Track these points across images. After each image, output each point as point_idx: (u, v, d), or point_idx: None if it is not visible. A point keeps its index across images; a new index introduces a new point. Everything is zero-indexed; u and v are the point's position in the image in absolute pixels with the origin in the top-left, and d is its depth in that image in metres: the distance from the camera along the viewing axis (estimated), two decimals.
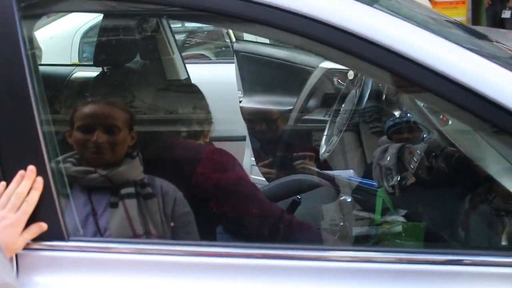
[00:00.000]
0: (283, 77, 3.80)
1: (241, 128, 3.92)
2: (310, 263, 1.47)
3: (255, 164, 3.99)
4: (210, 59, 5.64)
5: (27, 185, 1.51)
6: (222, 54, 5.41)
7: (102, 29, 2.72)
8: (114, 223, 1.90)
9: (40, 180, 1.52)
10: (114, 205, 1.92)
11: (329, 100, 3.45)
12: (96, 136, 1.91)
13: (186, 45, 6.00)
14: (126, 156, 1.98)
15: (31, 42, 1.57)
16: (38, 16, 1.73)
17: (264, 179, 3.76)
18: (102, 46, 2.76)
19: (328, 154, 2.91)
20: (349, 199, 2.23)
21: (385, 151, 2.50)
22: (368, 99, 2.83)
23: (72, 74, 3.09)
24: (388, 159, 2.42)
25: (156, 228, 1.93)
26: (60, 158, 1.72)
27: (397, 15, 1.63)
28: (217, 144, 3.59)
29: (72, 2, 1.78)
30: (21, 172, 1.53)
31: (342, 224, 2.20)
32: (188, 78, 3.56)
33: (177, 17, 2.31)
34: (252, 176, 4.11)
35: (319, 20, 1.49)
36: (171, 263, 1.50)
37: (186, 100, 2.45)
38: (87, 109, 1.94)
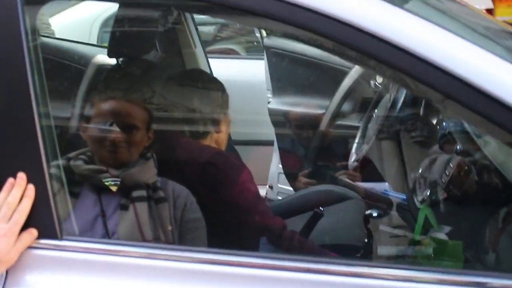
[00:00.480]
0: (315, 77, 3.77)
1: (269, 132, 3.91)
2: (318, 276, 1.47)
3: (282, 172, 3.97)
4: (240, 55, 5.64)
5: (18, 193, 1.54)
6: (254, 49, 5.40)
7: (117, 19, 2.73)
8: (123, 226, 1.93)
9: (31, 187, 1.54)
10: (124, 208, 1.94)
11: (366, 104, 3.42)
12: (114, 134, 1.93)
13: (217, 38, 6.02)
14: (140, 157, 2.01)
15: (34, 32, 1.57)
16: (42, 2, 1.73)
17: (291, 188, 3.75)
18: (117, 37, 2.77)
19: (357, 163, 2.87)
20: (375, 214, 2.19)
21: (432, 162, 2.47)
22: (406, 105, 2.79)
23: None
24: (435, 171, 2.39)
25: (165, 234, 1.95)
26: (63, 155, 1.75)
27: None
28: (242, 148, 3.60)
29: None
30: (10, 180, 1.55)
31: (366, 241, 2.17)
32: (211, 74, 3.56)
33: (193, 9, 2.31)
34: (279, 185, 4.12)
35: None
36: (168, 269, 1.51)
37: (207, 96, 2.44)
38: (107, 105, 1.97)
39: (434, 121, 2.88)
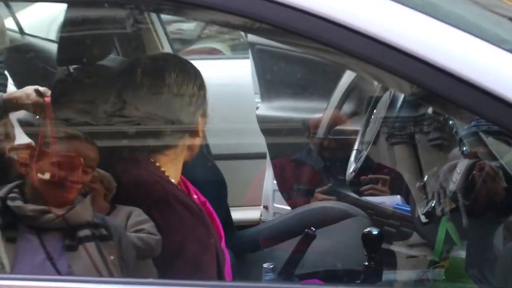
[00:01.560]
0: (310, 76, 3.80)
1: (259, 143, 3.94)
2: None
3: (277, 189, 4.00)
4: (224, 54, 5.68)
5: None
6: (241, 48, 5.44)
7: (67, 21, 2.76)
8: (78, 268, 2.03)
9: None
10: (72, 248, 2.05)
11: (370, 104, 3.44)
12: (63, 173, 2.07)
13: (202, 36, 6.07)
14: (80, 194, 2.16)
15: None
16: None
17: (289, 208, 3.78)
18: (68, 41, 2.80)
19: (354, 173, 2.90)
20: (374, 232, 2.22)
21: (452, 169, 2.48)
22: (411, 103, 2.81)
23: None
24: (455, 180, 2.40)
25: (117, 271, 2.06)
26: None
27: None
28: (225, 164, 3.63)
29: None
30: None
31: (367, 264, 2.20)
32: None
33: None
34: (275, 205, 4.14)
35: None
36: None
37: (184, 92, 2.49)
38: (62, 145, 2.13)
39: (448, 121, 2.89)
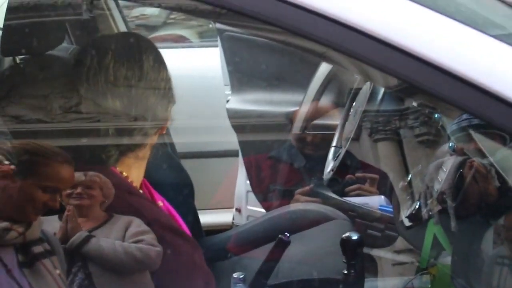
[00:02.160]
0: (285, 65, 3.80)
1: (231, 139, 3.94)
2: None
3: (251, 190, 4.00)
4: (191, 42, 5.69)
5: None
6: (209, 35, 5.45)
7: (11, 7, 2.75)
8: (40, 284, 2.12)
9: None
10: (28, 265, 2.14)
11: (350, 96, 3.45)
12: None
13: (169, 22, 6.07)
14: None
15: None
16: None
17: (264, 210, 3.78)
18: (13, 29, 2.78)
19: (332, 173, 2.91)
20: (354, 237, 2.22)
21: (440, 167, 2.49)
22: (392, 95, 2.82)
23: None
24: (442, 179, 2.41)
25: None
26: None
27: None
28: (193, 163, 3.63)
29: None
30: None
31: (346, 272, 2.20)
32: None
33: None
34: (249, 207, 4.15)
35: None
36: None
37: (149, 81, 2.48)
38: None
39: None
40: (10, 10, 2.80)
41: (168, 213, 2.60)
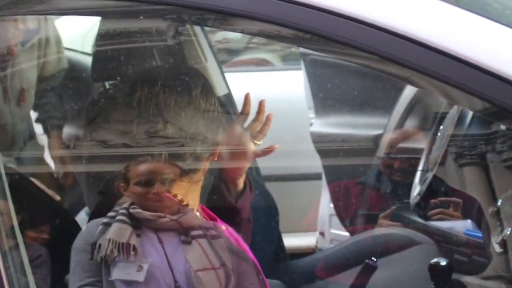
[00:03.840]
0: (369, 89, 3.79)
1: (315, 163, 3.94)
2: None
3: (334, 213, 3.99)
4: (274, 66, 5.70)
5: None
6: (292, 58, 5.45)
7: (102, 33, 2.79)
8: (193, 256, 2.58)
9: None
10: (187, 243, 2.61)
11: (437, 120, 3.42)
12: (156, 188, 2.60)
13: (250, 46, 6.10)
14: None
15: None
16: None
17: (347, 234, 3.76)
18: (102, 56, 2.83)
19: (419, 197, 2.88)
20: (443, 262, 2.20)
21: None
22: (481, 119, 2.79)
23: None
24: None
25: (230, 263, 2.59)
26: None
27: None
28: (277, 186, 3.63)
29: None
30: None
31: None
32: (229, 94, 3.60)
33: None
34: (332, 231, 4.13)
35: None
36: None
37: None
38: (142, 167, 2.61)
39: None
40: (100, 37, 2.86)
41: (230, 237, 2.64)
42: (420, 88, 2.96)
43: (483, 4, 2.20)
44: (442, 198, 3.21)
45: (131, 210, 2.65)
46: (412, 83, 2.59)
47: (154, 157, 2.62)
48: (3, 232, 2.13)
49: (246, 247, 2.69)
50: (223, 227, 2.69)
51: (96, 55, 2.90)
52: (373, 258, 2.38)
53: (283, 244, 3.17)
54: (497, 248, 2.34)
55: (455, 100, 2.42)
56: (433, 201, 3.17)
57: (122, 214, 2.60)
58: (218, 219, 2.67)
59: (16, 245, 2.19)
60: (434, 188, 3.18)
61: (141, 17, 2.19)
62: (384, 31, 1.73)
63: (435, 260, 2.21)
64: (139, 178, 2.64)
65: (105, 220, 2.59)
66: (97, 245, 2.52)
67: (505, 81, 1.63)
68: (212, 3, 1.84)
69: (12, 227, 2.23)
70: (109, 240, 2.51)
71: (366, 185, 3.72)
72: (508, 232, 2.31)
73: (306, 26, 1.78)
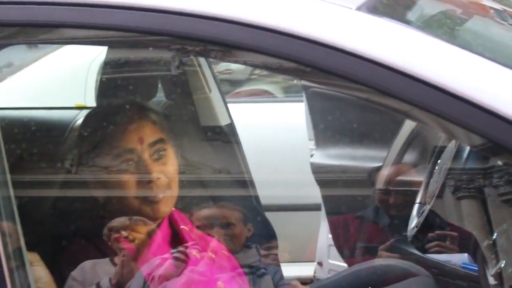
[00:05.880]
0: (369, 122, 3.82)
1: (313, 193, 3.95)
2: None
3: (333, 244, 4.00)
4: (276, 97, 5.73)
5: None
6: (294, 90, 5.49)
7: (107, 63, 2.83)
8: None
9: None
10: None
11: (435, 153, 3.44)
12: (216, 232, 2.67)
13: (253, 76, 6.13)
14: (244, 247, 2.76)
15: None
16: None
17: (345, 265, 3.77)
18: (108, 84, 2.86)
19: (416, 229, 2.90)
20: None
21: None
22: (478, 153, 2.81)
23: (77, 121, 3.20)
24: None
25: None
26: None
27: None
28: (277, 216, 3.64)
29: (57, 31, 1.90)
30: None
31: None
32: (231, 124, 3.63)
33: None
34: (330, 261, 4.14)
35: None
36: None
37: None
38: (204, 212, 2.76)
39: None
40: (106, 65, 2.89)
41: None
42: (419, 122, 3.00)
43: (482, 40, 2.23)
44: (439, 232, 3.23)
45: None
46: (411, 117, 2.63)
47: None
48: (11, 254, 2.13)
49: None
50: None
51: (101, 83, 2.94)
52: None
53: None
54: (492, 281, 2.35)
55: (453, 135, 2.45)
56: (430, 234, 3.18)
57: None
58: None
59: (23, 266, 2.19)
60: (431, 221, 3.20)
61: (150, 48, 2.22)
62: (383, 66, 1.76)
63: None
64: (198, 222, 2.65)
65: None
66: None
67: (501, 118, 1.66)
68: (216, 36, 1.87)
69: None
70: None
71: (364, 219, 3.73)
72: (503, 265, 2.32)
73: (307, 60, 1.81)
